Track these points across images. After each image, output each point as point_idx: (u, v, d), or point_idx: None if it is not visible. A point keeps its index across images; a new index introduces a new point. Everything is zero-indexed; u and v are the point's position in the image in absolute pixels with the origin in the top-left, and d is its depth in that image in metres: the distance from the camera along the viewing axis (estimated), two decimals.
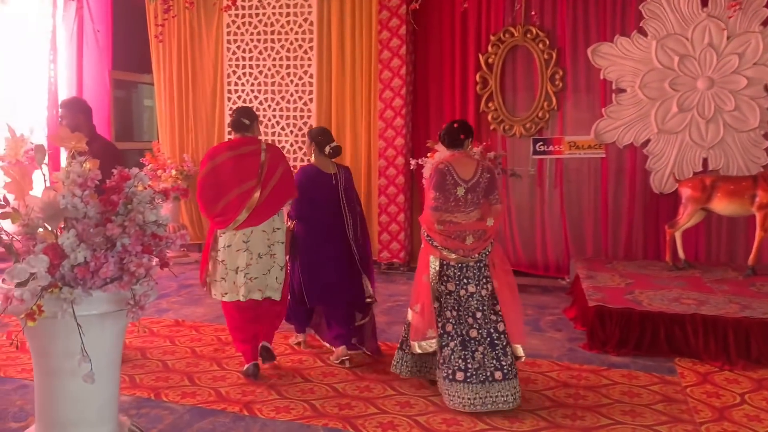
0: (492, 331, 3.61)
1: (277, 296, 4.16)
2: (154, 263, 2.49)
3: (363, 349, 4.39)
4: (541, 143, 7.14)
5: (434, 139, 6.63)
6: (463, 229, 3.66)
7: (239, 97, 8.11)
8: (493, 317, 3.66)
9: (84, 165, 2.48)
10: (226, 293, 4.10)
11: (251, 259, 4.05)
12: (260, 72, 8.04)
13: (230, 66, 8.12)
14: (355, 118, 7.74)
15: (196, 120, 8.42)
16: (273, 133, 8.05)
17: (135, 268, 2.38)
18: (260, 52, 8.01)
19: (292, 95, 7.97)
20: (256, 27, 7.97)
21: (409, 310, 3.87)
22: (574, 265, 6.65)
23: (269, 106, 8.04)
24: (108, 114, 9.06)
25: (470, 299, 3.63)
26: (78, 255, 2.32)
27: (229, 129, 5.45)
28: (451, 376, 3.57)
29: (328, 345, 4.59)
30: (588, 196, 7.11)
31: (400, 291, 6.62)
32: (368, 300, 4.43)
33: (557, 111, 7.10)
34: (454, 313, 3.63)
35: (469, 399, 3.51)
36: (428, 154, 6.60)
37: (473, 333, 3.58)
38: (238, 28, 8.04)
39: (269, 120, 8.05)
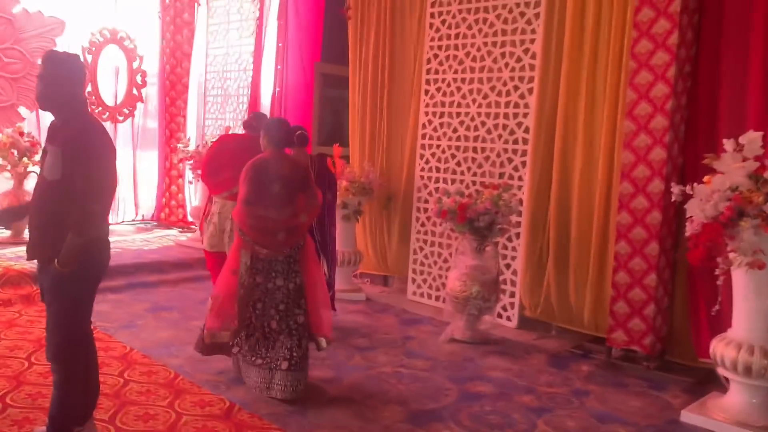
0: (291, 323, 3.76)
1: None
2: None
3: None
4: None
5: (718, 150, 3.88)
6: (275, 225, 3.72)
7: (438, 89, 6.02)
8: (296, 310, 3.79)
9: None
10: (213, 245, 4.85)
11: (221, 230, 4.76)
12: (467, 54, 5.83)
13: (431, 49, 6.08)
14: (592, 115, 5.06)
15: (390, 119, 6.55)
16: (476, 138, 5.77)
17: None
18: (469, 26, 5.81)
19: (505, 84, 5.59)
20: None
21: (209, 299, 3.93)
22: None
23: (474, 100, 5.79)
24: (309, 112, 7.73)
25: (276, 292, 3.75)
26: None
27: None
28: (249, 361, 3.79)
29: None
30: None
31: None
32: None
33: None
34: (259, 306, 3.75)
35: (256, 381, 3.77)
36: (704, 178, 3.76)
37: (273, 324, 3.74)
38: None
39: (472, 120, 5.79)
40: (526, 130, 5.43)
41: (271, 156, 3.77)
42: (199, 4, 8.63)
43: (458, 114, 5.90)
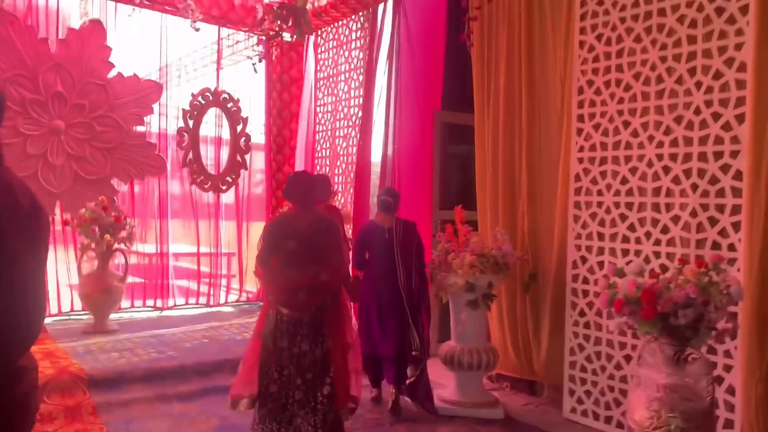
0: (319, 395, 3.43)
1: None
2: None
3: (416, 403, 4.50)
4: None
5: None
6: (294, 283, 3.51)
7: (596, 126, 4.40)
8: (326, 379, 3.45)
9: None
10: None
11: None
12: (636, 76, 4.19)
13: (584, 74, 4.50)
14: None
15: (531, 172, 4.99)
16: (656, 191, 4.05)
17: None
18: (637, 38, 4.20)
19: (698, 112, 3.87)
20: None
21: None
22: None
23: (650, 138, 4.10)
24: (428, 170, 6.37)
25: (303, 358, 3.45)
26: None
27: None
28: None
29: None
30: None
31: None
32: (414, 353, 4.46)
33: None
34: (285, 372, 3.46)
35: None
36: None
37: (299, 395, 3.44)
38: (600, 3, 4.42)
39: (649, 165, 4.09)
40: (737, 176, 3.65)
41: (292, 212, 3.58)
42: (307, 58, 7.71)
43: (627, 159, 4.23)
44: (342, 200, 7.00)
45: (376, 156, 6.47)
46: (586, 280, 4.44)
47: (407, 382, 4.56)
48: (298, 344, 3.39)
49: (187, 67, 7.64)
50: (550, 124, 4.87)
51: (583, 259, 4.47)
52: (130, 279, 7.26)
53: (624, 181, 4.24)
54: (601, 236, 4.37)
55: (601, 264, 4.34)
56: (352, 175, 6.69)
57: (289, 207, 4.05)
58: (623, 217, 4.24)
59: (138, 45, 7.34)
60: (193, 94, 7.47)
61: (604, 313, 4.29)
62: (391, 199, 4.63)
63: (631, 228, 4.18)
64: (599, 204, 4.38)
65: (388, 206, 4.60)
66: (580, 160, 4.50)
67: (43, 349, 5.30)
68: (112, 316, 6.61)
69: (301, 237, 3.44)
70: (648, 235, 4.08)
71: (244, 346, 5.72)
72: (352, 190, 6.62)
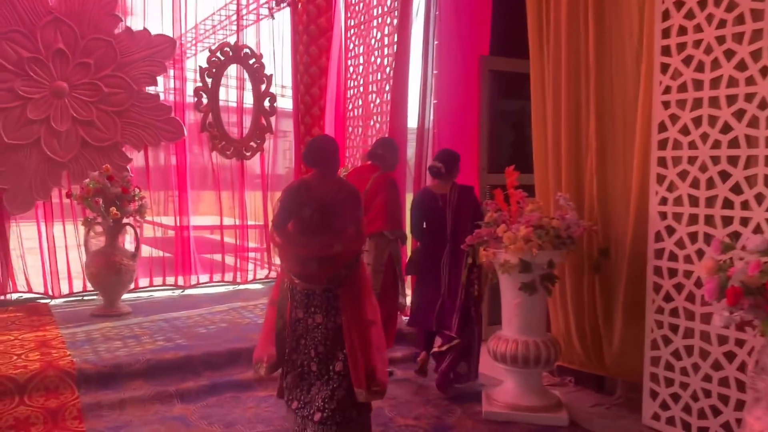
0: (331, 369, 3.18)
1: None
2: None
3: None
4: None
5: None
6: (306, 253, 3.20)
7: (687, 59, 3.41)
8: (339, 354, 3.17)
9: None
10: None
11: None
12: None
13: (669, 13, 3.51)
14: None
15: (602, 123, 4.04)
16: None
17: None
18: None
19: None
20: None
21: None
22: None
23: (763, 69, 3.11)
24: (474, 127, 5.49)
25: (316, 330, 3.20)
26: None
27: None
28: (287, 402, 3.28)
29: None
30: None
31: None
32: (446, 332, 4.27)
33: None
34: (302, 342, 3.24)
35: (293, 428, 3.27)
36: None
37: (313, 366, 3.21)
38: None
39: (759, 104, 3.10)
40: None
41: (311, 177, 3.32)
42: (336, 4, 6.84)
43: (731, 99, 3.25)
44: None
45: (412, 112, 5.61)
46: (673, 256, 3.51)
47: (433, 350, 4.37)
48: (312, 315, 3.20)
49: (206, 24, 6.89)
50: (625, 61, 3.90)
51: (670, 230, 3.53)
52: (150, 253, 6.68)
53: (726, 128, 3.27)
54: (693, 200, 3.42)
55: (693, 236, 3.41)
56: (386, 135, 5.85)
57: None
58: (724, 176, 3.28)
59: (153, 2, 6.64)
60: (211, 50, 6.74)
61: (698, 297, 3.38)
62: (439, 164, 4.30)
63: (736, 189, 3.22)
64: (691, 160, 3.42)
65: (436, 172, 4.30)
66: (666, 105, 3.54)
67: (40, 337, 4.72)
68: (127, 296, 6.04)
69: (316, 205, 3.20)
70: (760, 197, 3.12)
71: None
72: None
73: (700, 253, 3.35)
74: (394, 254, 4.42)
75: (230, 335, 4.91)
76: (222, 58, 6.74)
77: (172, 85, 6.63)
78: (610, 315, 4.02)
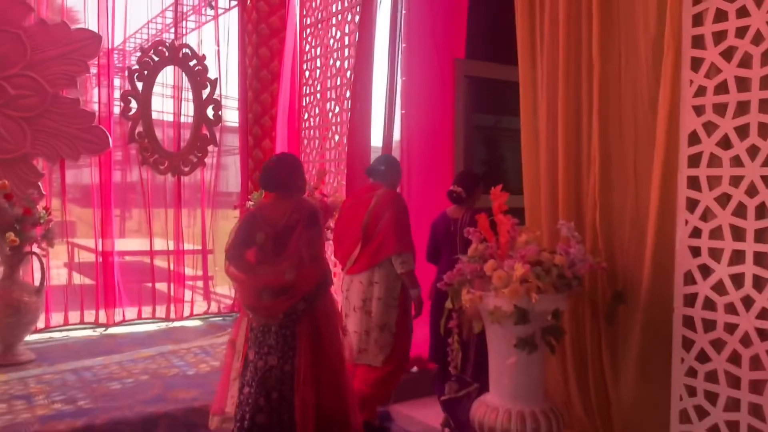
0: (285, 418, 2.95)
1: (376, 362, 3.74)
2: None
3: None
4: None
5: None
6: (257, 283, 3.07)
7: (728, 51, 2.67)
8: (294, 402, 2.99)
9: None
10: None
11: (348, 308, 3.82)
12: None
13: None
14: None
15: (606, 133, 3.27)
16: None
17: None
18: None
19: None
20: None
21: None
22: None
23: None
24: (448, 140, 4.71)
25: (268, 374, 2.97)
26: None
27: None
28: None
29: None
30: None
31: None
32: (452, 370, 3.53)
33: None
34: (246, 390, 3.00)
35: None
36: None
37: (260, 418, 2.93)
38: None
39: None
40: None
41: (269, 202, 3.14)
42: (290, 1, 6.02)
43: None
44: (334, 184, 5.34)
45: (377, 123, 4.78)
46: (709, 304, 2.74)
47: (441, 398, 3.57)
48: (264, 357, 2.97)
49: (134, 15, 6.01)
50: (638, 56, 3.15)
51: (705, 270, 2.76)
52: (71, 282, 5.70)
53: None
54: (738, 233, 2.66)
55: (737, 278, 2.64)
56: (346, 149, 5.02)
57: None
58: None
59: None
60: (142, 49, 5.82)
61: (745, 358, 2.61)
62: (459, 189, 3.96)
63: None
64: (735, 180, 2.67)
65: (456, 198, 3.99)
66: (699, 110, 2.78)
67: None
68: (34, 338, 5.05)
69: (270, 229, 3.03)
70: None
71: (195, 385, 4.17)
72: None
73: (749, 302, 2.59)
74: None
75: (149, 393, 3.97)
76: (156, 59, 5.84)
77: (96, 89, 5.70)
78: (619, 373, 3.22)
